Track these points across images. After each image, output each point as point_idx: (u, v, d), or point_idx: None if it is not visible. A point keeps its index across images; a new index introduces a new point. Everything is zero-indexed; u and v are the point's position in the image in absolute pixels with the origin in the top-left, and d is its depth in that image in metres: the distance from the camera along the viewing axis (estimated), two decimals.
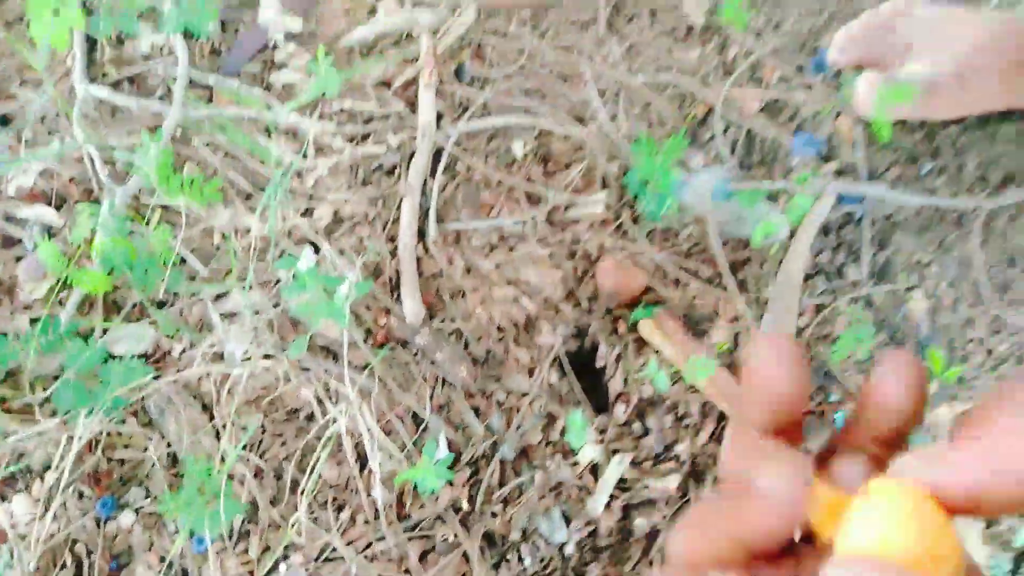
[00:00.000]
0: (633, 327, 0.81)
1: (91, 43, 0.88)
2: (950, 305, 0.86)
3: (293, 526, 0.66)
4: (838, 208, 0.89)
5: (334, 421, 0.65)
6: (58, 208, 0.78)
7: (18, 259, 0.76)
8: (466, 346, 0.78)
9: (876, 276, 0.86)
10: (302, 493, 0.66)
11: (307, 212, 0.82)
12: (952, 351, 0.83)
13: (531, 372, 0.77)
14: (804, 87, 0.96)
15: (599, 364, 0.80)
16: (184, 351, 0.72)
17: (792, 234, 0.85)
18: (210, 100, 0.88)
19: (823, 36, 1.00)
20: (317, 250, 0.78)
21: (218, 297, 0.74)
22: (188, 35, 0.89)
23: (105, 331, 0.71)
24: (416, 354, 0.76)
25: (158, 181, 0.67)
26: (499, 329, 0.79)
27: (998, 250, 0.88)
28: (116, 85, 0.87)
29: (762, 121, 0.93)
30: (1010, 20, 0.90)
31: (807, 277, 0.85)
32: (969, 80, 0.89)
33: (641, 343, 0.80)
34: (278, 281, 0.76)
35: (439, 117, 0.90)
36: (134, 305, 0.73)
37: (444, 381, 0.76)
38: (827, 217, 0.88)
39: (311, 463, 0.66)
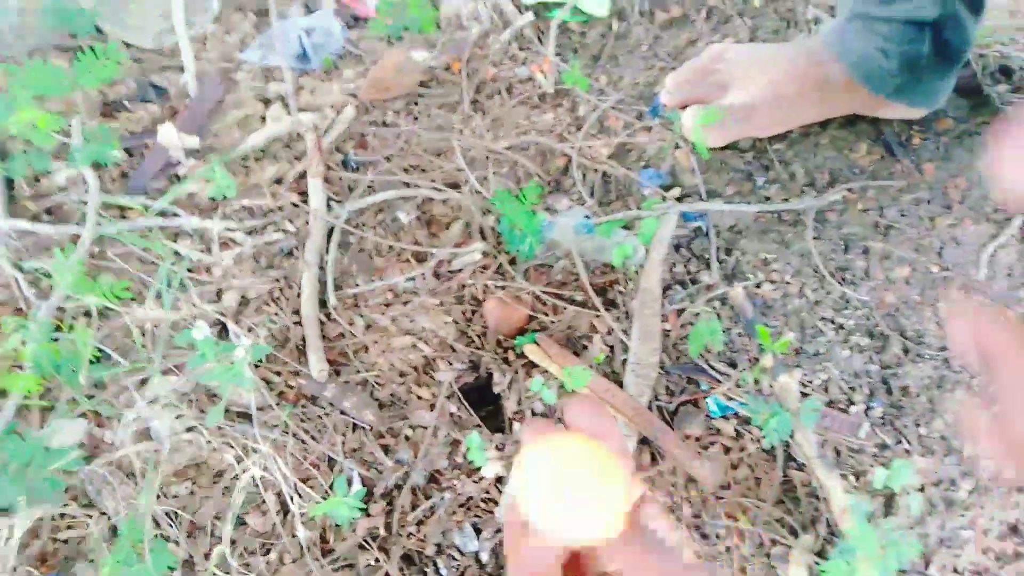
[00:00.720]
0: (521, 354, 0.91)
1: (9, 183, 0.99)
2: (797, 292, 0.98)
3: (228, 574, 0.73)
4: (686, 226, 1.01)
5: (249, 473, 0.74)
6: None
7: None
8: (372, 393, 0.87)
9: (727, 278, 0.99)
10: (232, 542, 0.73)
11: (215, 300, 0.92)
12: (804, 331, 0.95)
13: (432, 407, 0.87)
14: (645, 130, 1.11)
15: (496, 390, 0.90)
16: (114, 435, 0.80)
17: (647, 252, 0.97)
18: (123, 216, 0.99)
19: (656, 86, 1.15)
20: (224, 330, 0.87)
21: (141, 383, 0.83)
22: (97, 165, 1.01)
23: (41, 426, 0.79)
24: (326, 407, 0.85)
25: (76, 289, 0.77)
26: (401, 374, 0.89)
27: (832, 240, 1.02)
28: (35, 217, 0.98)
29: (613, 164, 1.07)
30: (810, 48, 1.06)
31: (666, 287, 0.97)
32: (783, 100, 1.05)
33: (530, 366, 0.91)
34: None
35: (329, 201, 1.02)
36: (67, 401, 0.81)
37: (355, 426, 0.85)
38: (677, 234, 1.01)
39: (232, 513, 0.74)
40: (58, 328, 0.85)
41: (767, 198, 1.05)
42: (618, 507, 0.31)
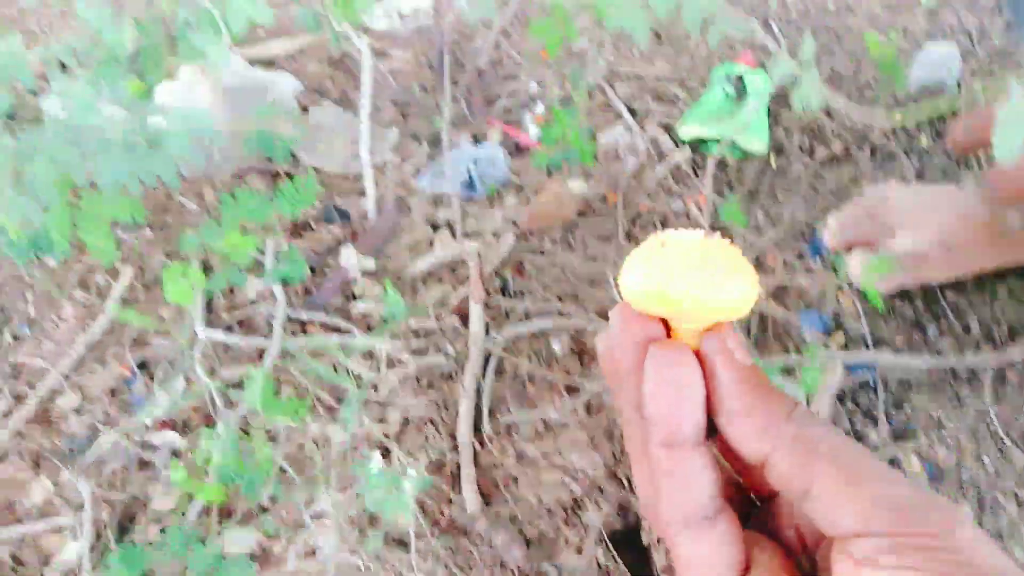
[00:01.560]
0: None
1: (208, 296, 1.11)
2: (974, 459, 0.91)
3: None
4: (852, 376, 0.97)
5: None
6: (182, 433, 0.96)
7: (149, 479, 0.93)
8: (521, 529, 0.88)
9: (896, 437, 0.93)
10: None
11: (381, 420, 0.97)
12: (982, 504, 0.87)
13: (580, 551, 0.86)
14: (806, 271, 1.09)
15: (645, 541, 0.88)
16: (283, 549, 0.85)
17: (808, 404, 0.94)
18: (303, 331, 1.08)
19: (817, 225, 1.14)
20: (387, 452, 0.92)
21: (309, 500, 0.88)
22: (285, 282, 1.11)
23: (219, 533, 0.86)
24: (476, 540, 0.87)
25: (262, 406, 0.84)
26: (549, 511, 0.89)
27: (1013, 402, 0.94)
28: (229, 328, 1.08)
29: (772, 304, 1.06)
30: (979, 190, 1.02)
31: None
32: (954, 246, 1.00)
33: None
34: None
35: (487, 326, 1.07)
36: (243, 512, 0.88)
37: (502, 563, 0.85)
38: (843, 385, 0.97)
39: None
40: (244, 433, 0.93)
41: (939, 351, 0.99)
42: (752, 288, 0.27)
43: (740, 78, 1.32)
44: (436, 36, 1.54)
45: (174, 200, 1.24)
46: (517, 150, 1.35)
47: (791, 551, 0.28)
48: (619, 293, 0.28)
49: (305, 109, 1.42)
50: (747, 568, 0.26)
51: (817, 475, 0.24)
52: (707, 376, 0.27)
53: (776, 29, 1.56)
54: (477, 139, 1.38)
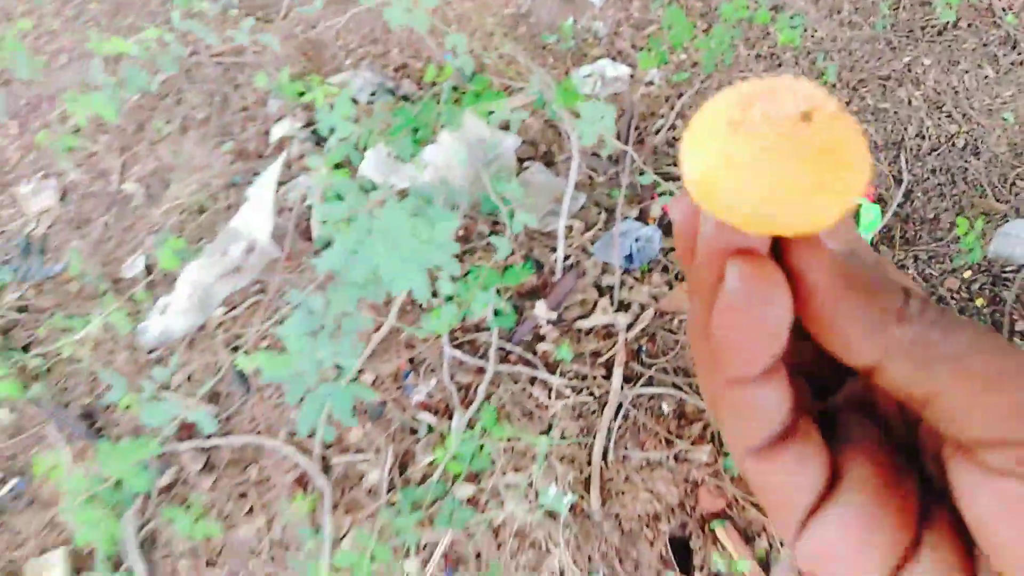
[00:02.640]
0: (711, 529, 1.47)
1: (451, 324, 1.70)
2: None
3: None
4: None
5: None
6: (435, 414, 1.58)
7: (415, 440, 1.57)
8: (619, 523, 1.48)
9: None
10: None
11: (546, 430, 1.57)
12: None
13: (651, 544, 1.46)
14: None
15: (692, 546, 1.47)
16: (485, 501, 1.49)
17: None
18: (506, 360, 1.66)
19: None
20: (546, 457, 1.52)
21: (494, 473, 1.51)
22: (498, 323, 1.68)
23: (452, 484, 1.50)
24: (594, 524, 1.48)
25: (488, 424, 1.45)
26: (639, 516, 1.49)
27: None
28: (459, 346, 1.67)
29: None
30: None
31: None
32: None
33: (714, 538, 1.47)
34: None
35: (623, 382, 1.62)
36: (467, 474, 1.51)
37: (606, 539, 1.47)
38: None
39: None
40: (469, 427, 1.55)
41: None
42: (852, 194, 0.19)
43: (858, 206, 1.71)
44: (627, 106, 1.95)
45: None
46: (670, 232, 1.82)
47: (889, 426, 0.24)
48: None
49: (521, 161, 1.91)
50: (836, 481, 0.22)
51: (944, 382, 0.20)
52: (794, 279, 0.21)
53: (903, 161, 1.91)
54: (642, 213, 1.85)
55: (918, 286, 0.23)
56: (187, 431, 1.55)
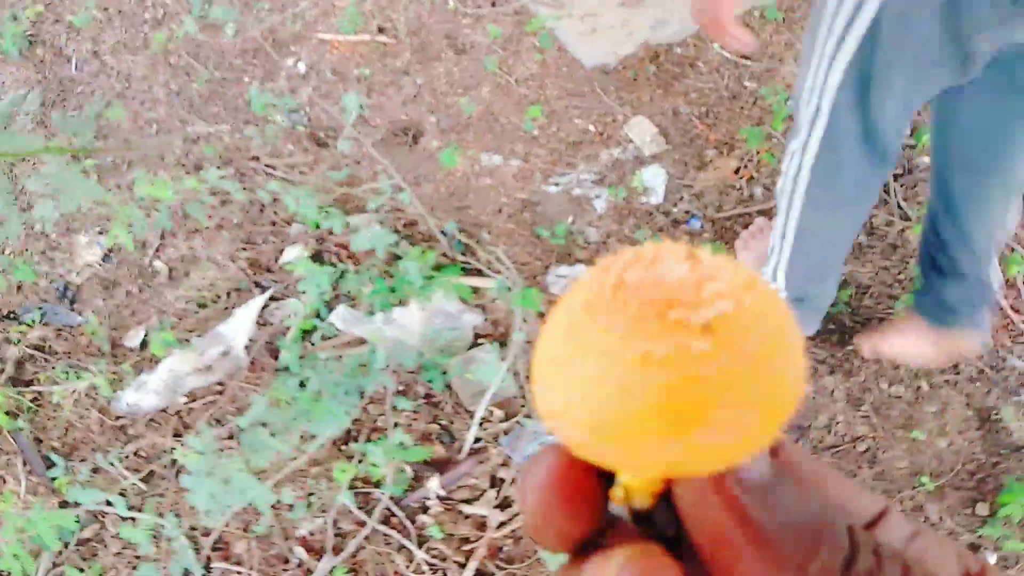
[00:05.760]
0: None
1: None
2: None
3: None
4: None
5: None
6: (309, 551, 1.84)
7: (285, 571, 1.83)
8: None
9: None
10: None
11: None
12: None
13: None
14: None
15: None
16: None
17: None
18: (387, 522, 1.90)
19: None
20: None
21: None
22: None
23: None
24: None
25: None
26: None
27: None
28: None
29: None
30: None
31: None
32: None
33: None
34: None
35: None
36: None
37: None
38: None
39: None
40: None
41: None
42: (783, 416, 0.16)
43: None
44: None
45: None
46: None
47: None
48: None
49: (478, 337, 2.16)
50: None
51: None
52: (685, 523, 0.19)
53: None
54: None
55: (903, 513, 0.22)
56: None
